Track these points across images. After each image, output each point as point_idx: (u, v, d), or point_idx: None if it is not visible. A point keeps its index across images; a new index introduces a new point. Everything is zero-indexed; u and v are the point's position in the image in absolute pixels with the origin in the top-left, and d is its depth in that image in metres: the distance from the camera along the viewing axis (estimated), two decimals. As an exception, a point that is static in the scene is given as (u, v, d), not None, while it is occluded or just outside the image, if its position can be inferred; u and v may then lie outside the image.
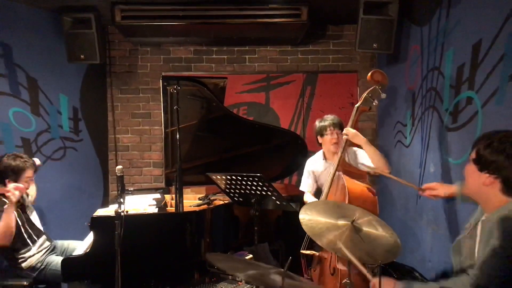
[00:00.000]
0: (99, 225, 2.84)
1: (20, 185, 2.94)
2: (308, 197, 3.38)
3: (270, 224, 3.60)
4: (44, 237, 3.27)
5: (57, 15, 3.89)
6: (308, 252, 3.01)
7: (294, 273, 2.07)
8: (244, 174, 2.72)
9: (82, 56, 3.92)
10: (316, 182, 3.42)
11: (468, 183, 1.73)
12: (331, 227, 2.12)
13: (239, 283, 2.94)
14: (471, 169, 1.68)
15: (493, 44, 2.37)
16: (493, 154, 1.57)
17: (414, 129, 3.56)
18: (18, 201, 3.10)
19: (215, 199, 3.58)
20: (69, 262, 2.87)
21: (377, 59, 4.59)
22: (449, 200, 2.74)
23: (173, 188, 3.41)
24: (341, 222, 2.12)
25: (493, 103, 2.37)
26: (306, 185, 3.43)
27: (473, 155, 1.67)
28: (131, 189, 3.46)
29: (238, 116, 4.02)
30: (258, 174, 2.68)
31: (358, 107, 3.01)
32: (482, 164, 1.62)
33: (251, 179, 2.72)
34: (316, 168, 3.37)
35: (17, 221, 3.00)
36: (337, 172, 2.97)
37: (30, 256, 3.08)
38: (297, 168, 4.12)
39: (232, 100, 4.62)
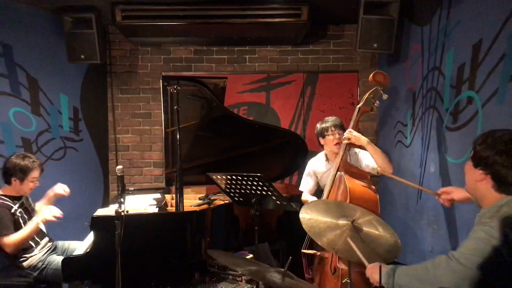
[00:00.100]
0: (100, 225, 2.85)
1: (57, 214, 3.05)
2: (306, 195, 3.38)
3: (270, 224, 3.60)
4: (46, 238, 3.28)
5: (57, 15, 3.90)
6: (309, 251, 3.01)
7: (295, 273, 2.08)
8: (245, 174, 2.72)
9: (82, 56, 3.92)
10: (318, 182, 3.41)
11: (466, 180, 1.75)
12: (332, 226, 2.12)
13: (240, 282, 2.95)
14: (468, 166, 1.71)
15: (494, 44, 2.37)
16: (485, 150, 1.60)
17: (415, 129, 3.56)
18: (22, 204, 3.14)
19: (216, 199, 3.58)
20: (70, 262, 2.87)
21: (378, 59, 4.58)
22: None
23: (173, 188, 3.41)
24: (341, 221, 2.12)
25: (494, 103, 2.37)
26: (306, 186, 3.42)
27: (472, 152, 1.70)
28: (132, 189, 3.48)
29: (238, 116, 4.02)
30: (259, 174, 2.68)
31: (360, 107, 3.01)
32: (476, 160, 1.65)
33: (251, 179, 2.72)
34: (319, 169, 3.37)
35: (21, 224, 3.04)
36: (338, 172, 2.97)
37: (31, 256, 3.09)
38: (298, 168, 4.12)
39: (233, 100, 4.62)
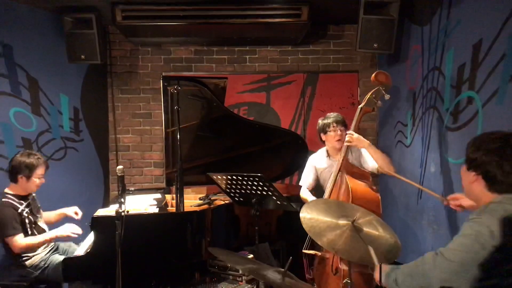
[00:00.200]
0: (100, 225, 2.85)
1: (78, 231, 3.09)
2: (305, 193, 3.38)
3: (271, 224, 3.60)
4: None
5: (57, 15, 3.90)
6: (310, 251, 3.01)
7: (296, 273, 2.08)
8: (245, 174, 2.72)
9: (82, 56, 3.92)
10: (318, 178, 3.42)
11: (463, 184, 1.78)
12: (332, 226, 2.12)
13: (240, 283, 2.95)
14: (462, 170, 1.75)
15: (494, 44, 2.37)
16: (474, 152, 1.65)
17: (415, 129, 3.56)
18: (29, 205, 3.16)
19: (216, 199, 3.58)
20: (70, 262, 2.88)
21: (378, 59, 4.58)
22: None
23: (173, 188, 3.41)
24: (341, 221, 2.12)
25: (494, 103, 2.37)
26: (306, 181, 3.43)
27: (465, 155, 1.74)
28: (132, 189, 3.48)
29: (238, 116, 4.02)
30: (259, 174, 2.67)
31: (361, 107, 3.01)
32: (468, 163, 1.69)
33: (251, 179, 2.72)
34: (319, 164, 3.37)
35: (26, 224, 3.07)
36: (339, 172, 2.97)
37: (34, 255, 3.10)
38: (298, 168, 4.12)
39: (233, 100, 4.62)
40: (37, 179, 3.13)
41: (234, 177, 2.80)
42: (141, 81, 4.65)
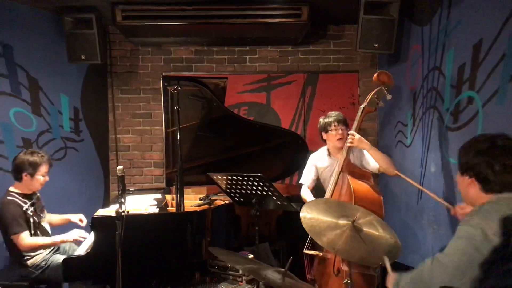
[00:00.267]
0: (100, 225, 2.85)
1: (84, 235, 3.13)
2: (305, 191, 3.37)
3: (271, 224, 3.60)
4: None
5: (58, 15, 3.90)
6: (311, 252, 3.00)
7: (296, 273, 2.08)
8: (245, 174, 2.73)
9: (83, 56, 3.92)
10: (318, 177, 3.42)
11: (460, 190, 1.80)
12: (332, 226, 2.12)
13: (240, 283, 2.95)
14: (457, 177, 1.77)
15: (494, 44, 2.37)
16: (465, 155, 1.69)
17: (415, 129, 3.56)
18: (33, 204, 3.17)
19: (216, 199, 3.58)
20: (70, 262, 2.88)
21: (378, 59, 4.58)
22: (450, 200, 2.74)
23: (174, 188, 3.41)
24: (342, 221, 2.12)
25: (494, 103, 2.37)
26: (306, 179, 3.42)
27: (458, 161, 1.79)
28: (132, 189, 3.48)
29: (238, 116, 4.02)
30: (259, 174, 2.68)
31: (363, 107, 3.00)
32: (461, 168, 1.73)
33: (251, 179, 2.72)
34: (320, 163, 3.37)
35: (30, 224, 3.08)
36: (341, 172, 2.96)
37: (36, 255, 3.10)
38: (298, 168, 4.12)
39: (233, 100, 4.62)
40: (41, 177, 3.14)
41: (234, 177, 2.80)
42: (141, 81, 4.65)
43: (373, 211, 2.44)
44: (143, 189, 4.03)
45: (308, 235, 2.79)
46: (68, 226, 3.45)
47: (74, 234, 3.13)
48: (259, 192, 2.77)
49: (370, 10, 3.67)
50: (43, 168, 3.14)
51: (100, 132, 4.58)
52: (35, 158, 3.11)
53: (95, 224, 2.87)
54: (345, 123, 3.22)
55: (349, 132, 3.01)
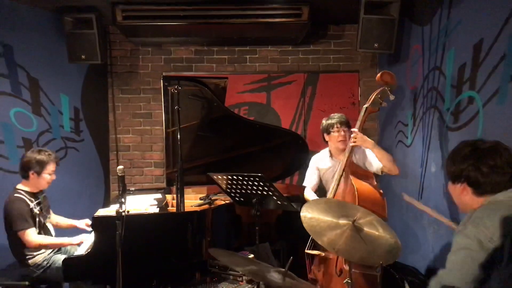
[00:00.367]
0: (100, 225, 2.85)
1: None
2: (308, 193, 3.37)
3: (271, 224, 3.60)
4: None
5: (58, 15, 3.90)
6: (313, 252, 3.00)
7: (297, 273, 2.07)
8: (245, 174, 2.72)
9: (83, 56, 3.92)
10: (321, 179, 3.41)
11: (454, 200, 1.82)
12: (332, 226, 2.12)
13: (240, 283, 2.95)
14: (449, 187, 1.80)
15: (494, 44, 2.37)
16: (453, 164, 1.73)
17: (416, 128, 3.56)
18: (39, 203, 3.20)
19: (216, 199, 3.58)
20: (70, 261, 2.88)
21: (378, 59, 4.58)
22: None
23: (174, 188, 3.41)
24: (342, 221, 2.12)
25: (494, 102, 2.37)
26: (309, 182, 3.42)
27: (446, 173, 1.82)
28: (132, 189, 3.49)
29: (239, 116, 4.02)
30: (259, 174, 2.67)
31: (367, 107, 2.99)
32: (452, 177, 1.75)
33: (252, 179, 2.72)
34: (322, 165, 3.37)
35: (36, 223, 3.10)
36: (343, 173, 2.95)
37: (38, 254, 3.11)
38: (298, 168, 4.12)
39: (233, 100, 4.62)
40: (47, 175, 3.18)
41: (234, 177, 2.80)
42: (142, 81, 4.65)
43: (376, 211, 2.44)
44: (143, 189, 4.03)
45: (309, 235, 2.79)
46: (75, 230, 3.48)
47: (81, 238, 3.20)
48: (259, 192, 2.77)
49: (370, 10, 3.67)
50: (50, 167, 3.18)
51: (101, 132, 4.58)
52: (42, 157, 3.14)
53: (96, 224, 2.87)
54: (347, 124, 3.21)
55: (352, 130, 3.01)
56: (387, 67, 4.16)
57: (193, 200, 3.64)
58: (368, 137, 3.00)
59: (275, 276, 1.96)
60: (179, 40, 4.51)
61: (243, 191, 2.86)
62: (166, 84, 3.32)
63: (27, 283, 3.02)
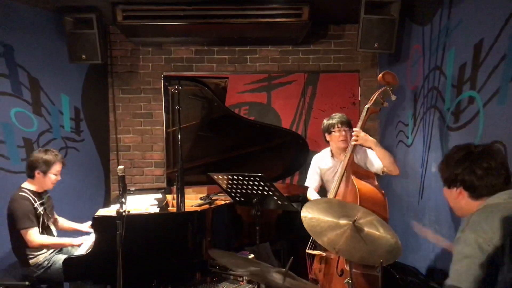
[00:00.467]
0: (101, 225, 2.85)
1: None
2: (311, 193, 3.37)
3: (271, 224, 3.60)
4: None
5: (58, 15, 3.90)
6: (314, 252, 3.00)
7: (297, 273, 2.07)
8: (246, 174, 2.72)
9: (83, 56, 3.92)
10: (322, 179, 3.41)
11: (450, 205, 1.82)
12: (333, 226, 2.12)
13: (241, 283, 2.95)
14: (445, 192, 1.80)
15: (495, 44, 2.37)
16: (446, 169, 1.74)
17: (416, 128, 3.56)
18: (43, 203, 3.21)
19: (217, 199, 3.58)
20: (71, 261, 2.88)
21: (379, 58, 4.58)
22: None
23: (174, 188, 3.41)
24: (342, 221, 2.12)
25: (495, 102, 2.37)
26: (311, 181, 3.42)
27: (441, 178, 1.82)
28: (133, 189, 3.49)
29: (239, 116, 4.02)
30: (259, 174, 2.67)
31: (368, 107, 2.99)
32: (447, 182, 1.76)
33: (252, 179, 2.72)
34: (323, 164, 3.37)
35: (39, 223, 3.12)
36: (345, 173, 2.95)
37: (39, 254, 3.12)
38: (299, 168, 4.12)
39: (234, 100, 4.62)
40: (53, 175, 3.20)
41: (235, 177, 2.80)
42: (142, 81, 4.65)
43: (377, 212, 2.44)
44: (143, 189, 4.03)
45: (309, 235, 2.79)
46: (77, 232, 3.49)
47: (82, 238, 3.23)
48: (259, 192, 2.77)
49: (370, 10, 3.67)
50: (56, 167, 3.21)
51: (101, 132, 4.58)
52: (49, 156, 3.17)
53: (96, 224, 2.87)
54: (348, 124, 3.21)
55: (354, 129, 3.00)
56: (387, 67, 4.16)
57: (193, 200, 3.64)
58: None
59: (275, 276, 1.96)
60: (179, 40, 4.51)
61: (244, 191, 2.86)
62: (166, 84, 3.32)
63: (27, 283, 3.02)
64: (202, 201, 3.55)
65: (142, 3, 3.81)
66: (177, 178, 3.11)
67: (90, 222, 3.43)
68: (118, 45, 4.60)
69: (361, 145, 3.02)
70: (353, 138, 2.97)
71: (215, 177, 2.96)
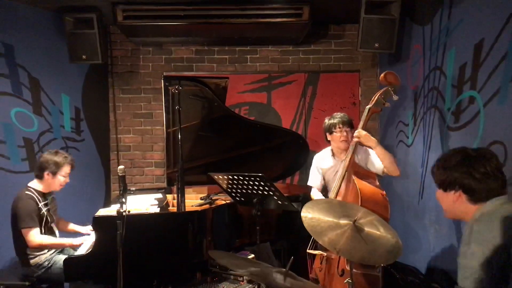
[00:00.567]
0: (101, 225, 2.85)
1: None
2: (315, 193, 3.37)
3: (272, 223, 3.60)
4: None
5: (59, 15, 3.90)
6: (315, 252, 2.99)
7: (298, 273, 2.07)
8: (246, 174, 2.72)
9: (84, 56, 3.92)
10: (323, 178, 3.41)
11: (444, 207, 1.83)
12: (333, 226, 2.12)
13: (241, 282, 2.94)
14: (439, 195, 1.80)
15: (495, 44, 2.37)
16: (443, 173, 1.74)
17: (416, 128, 3.56)
18: (47, 204, 3.23)
19: (217, 199, 3.58)
20: (71, 261, 2.88)
21: (379, 58, 4.58)
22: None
23: (174, 188, 3.41)
24: (343, 221, 2.12)
25: (495, 102, 2.36)
26: (314, 181, 3.41)
27: (435, 181, 1.82)
28: (133, 189, 3.48)
29: (239, 116, 4.02)
30: (260, 174, 2.67)
31: (370, 108, 2.99)
32: (443, 185, 1.76)
33: (252, 178, 2.72)
34: (324, 164, 3.36)
35: (42, 223, 3.13)
36: (346, 173, 2.95)
37: (41, 254, 3.13)
38: (299, 168, 4.12)
39: (234, 100, 4.62)
40: (62, 177, 3.22)
41: (235, 177, 2.80)
42: (142, 81, 4.66)
43: (378, 212, 2.44)
44: (144, 189, 4.03)
45: (309, 234, 2.79)
46: (72, 220, 3.50)
47: (82, 239, 3.23)
48: (260, 192, 2.77)
49: (371, 10, 3.67)
50: (66, 169, 3.23)
51: (101, 132, 4.58)
52: (59, 158, 3.19)
53: (96, 224, 2.87)
54: (350, 124, 3.20)
55: (356, 130, 3.00)
56: (387, 67, 4.16)
57: (193, 200, 3.65)
58: None
59: (276, 276, 1.96)
60: (179, 40, 4.51)
61: (244, 191, 2.86)
62: (166, 84, 3.32)
63: (27, 283, 3.02)
64: (203, 201, 3.55)
65: (143, 3, 3.81)
66: (178, 178, 3.11)
67: (90, 226, 3.44)
68: (119, 45, 4.61)
69: (362, 144, 3.02)
70: (355, 135, 2.97)
71: (216, 177, 2.96)
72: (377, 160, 3.07)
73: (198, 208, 3.29)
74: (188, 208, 3.19)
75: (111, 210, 3.19)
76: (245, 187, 2.82)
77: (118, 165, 4.12)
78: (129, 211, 2.49)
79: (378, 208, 2.64)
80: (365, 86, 4.63)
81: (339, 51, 4.65)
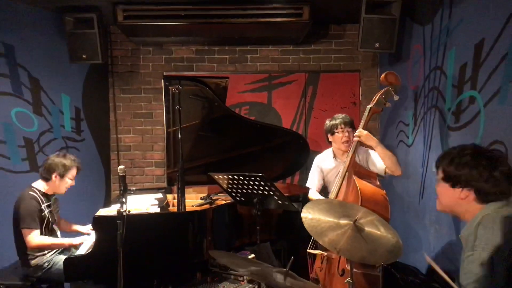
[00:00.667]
0: (101, 224, 2.85)
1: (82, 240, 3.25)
2: (313, 194, 3.37)
3: (272, 223, 3.59)
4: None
5: (59, 15, 3.90)
6: (316, 251, 2.99)
7: (298, 273, 2.07)
8: (246, 173, 2.72)
9: (84, 56, 3.92)
10: (324, 179, 3.41)
11: (443, 201, 1.81)
12: (333, 226, 2.11)
13: (241, 282, 2.94)
14: (443, 188, 1.77)
15: (496, 44, 2.37)
16: (458, 169, 1.69)
17: (417, 128, 3.55)
18: (50, 206, 3.23)
19: (217, 199, 3.58)
20: (71, 261, 2.87)
21: (379, 58, 4.58)
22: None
23: (175, 188, 3.41)
24: (343, 221, 2.12)
25: (496, 102, 2.36)
26: (313, 183, 3.41)
27: (440, 174, 1.78)
28: (133, 188, 3.48)
29: (240, 116, 4.02)
30: (260, 174, 2.67)
31: (371, 108, 2.99)
32: (452, 181, 1.72)
33: (253, 178, 2.72)
34: (325, 165, 3.36)
35: (43, 224, 3.14)
36: (347, 172, 2.95)
37: (41, 255, 3.13)
38: (299, 167, 4.12)
39: (234, 100, 4.62)
40: (69, 180, 3.24)
41: (235, 176, 2.80)
42: (142, 80, 4.66)
43: (379, 212, 2.43)
44: (144, 189, 4.03)
45: (310, 234, 2.79)
46: (72, 220, 3.50)
47: (82, 238, 3.24)
48: (260, 192, 2.77)
49: (371, 10, 3.67)
50: (73, 172, 3.25)
51: (101, 132, 4.59)
52: (67, 161, 3.22)
53: (97, 224, 2.87)
54: (351, 125, 3.20)
55: (357, 130, 3.00)
56: (388, 67, 4.16)
57: (194, 199, 3.65)
58: None
59: (276, 276, 1.96)
60: (180, 40, 4.51)
61: (244, 190, 2.86)
62: (167, 83, 3.32)
63: (28, 283, 3.02)
64: (203, 201, 3.55)
65: (143, 3, 3.81)
66: (178, 178, 3.11)
67: (90, 225, 3.45)
68: (119, 45, 4.61)
69: (363, 144, 3.02)
70: (355, 134, 2.97)
71: (216, 177, 2.96)
72: (378, 160, 3.07)
73: (198, 208, 3.29)
74: (188, 208, 3.19)
75: (111, 210, 3.19)
76: (245, 187, 2.82)
77: (119, 165, 4.12)
78: (129, 211, 2.49)
79: (378, 208, 2.64)
80: (365, 86, 4.63)
81: (340, 51, 4.65)
